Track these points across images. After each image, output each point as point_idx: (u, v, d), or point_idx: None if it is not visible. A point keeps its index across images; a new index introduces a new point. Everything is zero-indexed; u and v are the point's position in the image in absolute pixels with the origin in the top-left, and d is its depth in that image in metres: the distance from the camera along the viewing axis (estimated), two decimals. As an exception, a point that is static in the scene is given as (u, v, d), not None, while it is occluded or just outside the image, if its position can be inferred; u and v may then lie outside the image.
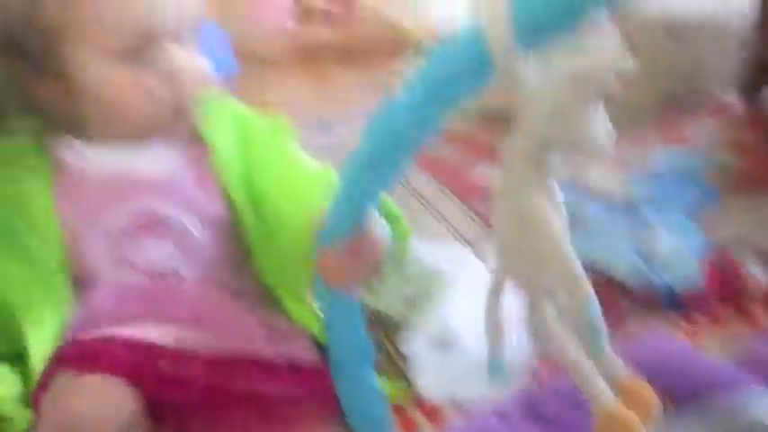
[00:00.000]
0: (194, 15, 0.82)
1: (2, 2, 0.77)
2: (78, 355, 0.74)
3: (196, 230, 0.84)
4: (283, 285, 0.87)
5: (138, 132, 0.82)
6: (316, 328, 0.86)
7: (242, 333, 0.83)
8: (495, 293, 0.63)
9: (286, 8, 3.52)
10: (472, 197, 1.59)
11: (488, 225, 1.45)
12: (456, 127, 2.01)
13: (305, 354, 0.86)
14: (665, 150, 1.70)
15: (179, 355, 0.78)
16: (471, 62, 0.52)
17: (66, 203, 0.81)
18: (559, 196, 0.58)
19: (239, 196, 0.85)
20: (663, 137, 1.81)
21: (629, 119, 1.84)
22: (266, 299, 0.88)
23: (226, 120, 0.89)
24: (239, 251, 0.87)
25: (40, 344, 0.76)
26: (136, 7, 0.77)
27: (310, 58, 3.23)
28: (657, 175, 1.51)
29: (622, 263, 1.23)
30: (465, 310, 1.07)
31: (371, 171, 0.60)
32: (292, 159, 0.88)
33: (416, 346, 1.04)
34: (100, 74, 0.78)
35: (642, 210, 1.38)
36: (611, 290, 1.21)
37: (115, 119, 0.80)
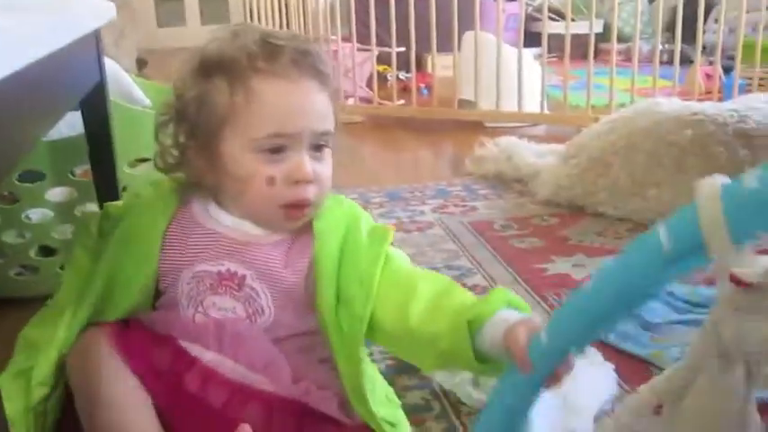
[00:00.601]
0: (328, 132, 0.98)
1: (186, 81, 0.98)
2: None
3: (267, 302, 0.99)
4: (348, 380, 0.99)
5: (256, 216, 1.00)
6: (369, 421, 0.99)
7: (287, 381, 0.97)
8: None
9: (363, 78, 3.67)
10: (544, 288, 1.66)
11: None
12: (533, 220, 2.04)
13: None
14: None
15: (209, 372, 0.94)
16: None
17: (176, 241, 1.01)
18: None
19: (327, 291, 0.98)
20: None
21: None
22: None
23: (340, 220, 1.03)
24: (318, 339, 1.01)
25: None
26: (281, 115, 0.94)
27: (381, 125, 3.32)
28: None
29: None
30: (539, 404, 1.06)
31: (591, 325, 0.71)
32: (387, 266, 1.00)
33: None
34: (240, 157, 0.96)
35: None
36: None
37: (240, 196, 0.98)
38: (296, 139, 0.95)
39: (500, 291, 0.92)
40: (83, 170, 1.63)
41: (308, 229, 1.02)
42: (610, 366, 1.28)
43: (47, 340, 0.96)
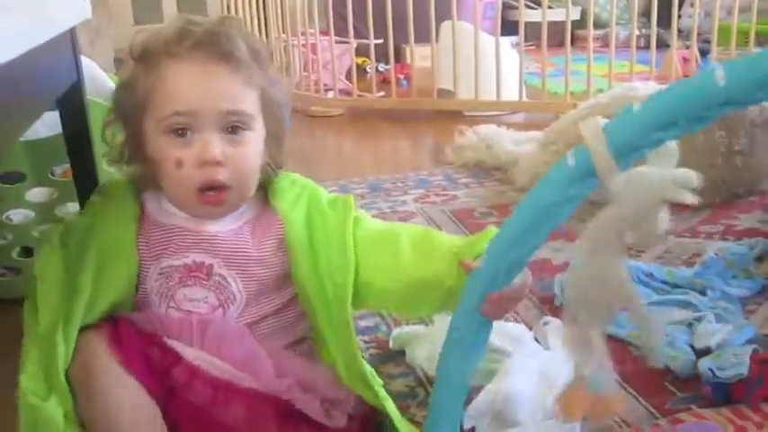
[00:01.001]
0: (238, 113, 0.98)
1: (121, 74, 1.04)
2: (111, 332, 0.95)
3: (237, 287, 1.00)
4: (338, 352, 1.02)
5: (178, 203, 1.01)
6: (365, 393, 1.01)
7: (269, 377, 0.98)
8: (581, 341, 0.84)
9: (342, 70, 3.67)
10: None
11: (545, 309, 1.51)
12: (513, 207, 2.05)
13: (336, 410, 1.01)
14: (717, 241, 1.79)
15: (194, 369, 0.94)
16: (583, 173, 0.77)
17: (143, 241, 1.01)
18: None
19: (304, 267, 1.01)
20: (716, 228, 1.91)
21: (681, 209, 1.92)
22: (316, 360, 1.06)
23: (301, 198, 1.06)
24: (294, 322, 1.05)
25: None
26: (181, 94, 0.96)
27: (362, 117, 3.33)
28: (710, 264, 1.53)
29: (673, 350, 1.24)
30: (522, 388, 1.12)
31: (529, 233, 0.81)
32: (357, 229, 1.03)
33: (479, 422, 1.11)
34: (153, 140, 0.99)
35: (693, 298, 1.41)
36: (660, 376, 1.26)
37: (161, 183, 1.00)
38: (199, 119, 0.96)
39: (492, 229, 0.96)
40: (63, 170, 1.63)
41: (266, 209, 1.05)
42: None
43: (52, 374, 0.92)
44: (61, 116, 1.41)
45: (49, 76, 1.17)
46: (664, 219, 0.77)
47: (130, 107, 1.00)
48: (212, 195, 0.98)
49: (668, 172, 0.76)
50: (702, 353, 1.28)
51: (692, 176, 0.75)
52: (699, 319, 1.38)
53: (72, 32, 1.32)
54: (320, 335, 1.05)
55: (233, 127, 0.98)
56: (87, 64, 1.63)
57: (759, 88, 0.68)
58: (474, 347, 0.90)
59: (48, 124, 1.55)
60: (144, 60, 1.00)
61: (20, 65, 0.87)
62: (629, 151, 0.74)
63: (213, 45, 0.97)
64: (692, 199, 0.74)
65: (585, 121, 0.77)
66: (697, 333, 1.33)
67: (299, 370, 1.01)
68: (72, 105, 1.39)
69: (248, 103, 0.99)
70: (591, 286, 0.80)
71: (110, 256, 1.00)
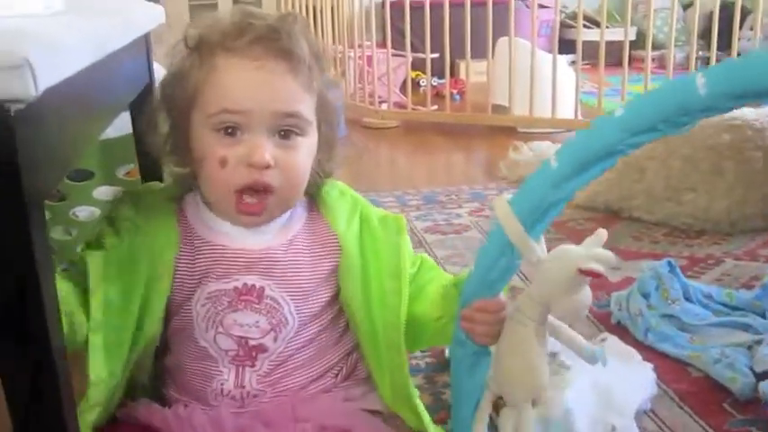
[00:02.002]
0: (293, 115, 0.91)
1: (173, 63, 0.96)
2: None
3: (290, 309, 0.96)
4: (384, 373, 0.99)
5: (216, 205, 0.95)
6: (408, 417, 0.99)
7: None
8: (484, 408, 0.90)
9: (397, 83, 3.72)
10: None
11: (601, 326, 1.51)
12: (569, 224, 2.09)
13: None
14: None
15: None
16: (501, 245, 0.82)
17: (185, 264, 0.95)
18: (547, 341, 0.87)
19: (356, 295, 0.98)
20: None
21: (741, 232, 1.91)
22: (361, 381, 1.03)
23: (354, 216, 1.01)
24: (340, 337, 1.02)
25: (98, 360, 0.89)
26: (234, 91, 0.89)
27: (415, 130, 3.36)
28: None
29: (733, 372, 1.24)
30: (581, 403, 1.13)
31: (500, 257, 0.83)
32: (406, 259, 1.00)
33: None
34: (200, 136, 0.92)
35: (753, 320, 1.40)
36: (719, 397, 1.26)
37: (201, 182, 0.94)
38: (251, 119, 0.89)
39: None
40: (126, 170, 1.67)
41: (317, 221, 1.00)
42: (649, 366, 1.29)
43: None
44: (132, 117, 1.44)
45: (128, 79, 1.21)
46: (586, 295, 0.82)
47: (179, 99, 0.93)
48: (251, 204, 0.91)
49: (589, 249, 0.81)
50: (763, 376, 1.27)
51: (610, 256, 0.80)
52: (759, 342, 1.36)
53: (147, 36, 1.36)
54: (365, 353, 1.02)
55: (286, 131, 0.91)
56: (157, 68, 1.68)
57: (739, 98, 0.69)
58: (476, 360, 0.90)
59: (115, 125, 1.58)
60: (198, 50, 0.93)
61: (104, 67, 0.90)
62: (538, 212, 0.79)
63: (273, 41, 0.90)
64: (599, 268, 0.79)
65: (494, 202, 0.83)
66: (757, 356, 1.32)
67: (324, 413, 0.96)
68: (144, 108, 1.42)
69: (305, 106, 0.92)
70: (511, 369, 0.86)
71: (152, 282, 0.94)
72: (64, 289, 0.87)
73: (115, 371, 0.91)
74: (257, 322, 0.95)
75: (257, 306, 0.95)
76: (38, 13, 0.81)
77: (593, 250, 0.81)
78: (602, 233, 0.83)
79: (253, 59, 0.89)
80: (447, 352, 1.39)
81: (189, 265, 0.95)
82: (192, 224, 0.97)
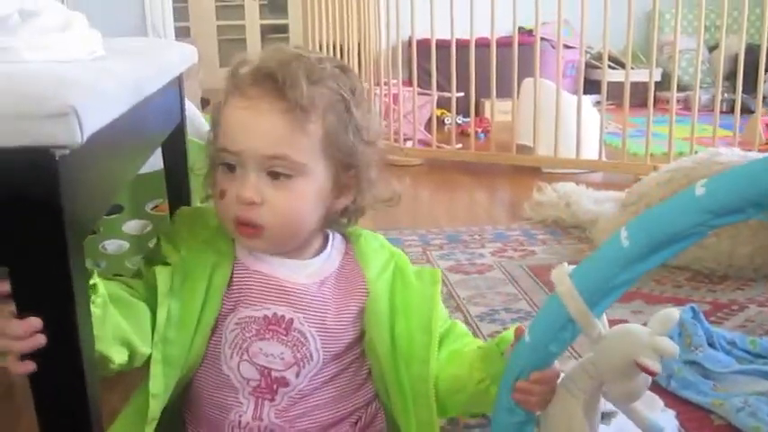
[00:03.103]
0: (279, 157, 0.92)
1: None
2: None
3: (316, 346, 0.97)
4: (411, 423, 1.00)
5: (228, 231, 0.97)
6: None
7: None
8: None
9: (422, 121, 3.75)
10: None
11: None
12: None
13: None
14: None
15: None
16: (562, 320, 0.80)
17: (234, 288, 0.97)
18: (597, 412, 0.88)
19: (384, 341, 1.00)
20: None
21: (764, 278, 1.90)
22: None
23: (389, 266, 1.04)
24: (361, 385, 1.03)
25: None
26: (230, 131, 0.94)
27: (439, 168, 3.39)
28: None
29: (756, 421, 1.24)
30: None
31: (561, 331, 0.81)
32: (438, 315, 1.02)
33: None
34: (214, 171, 0.98)
35: None
36: None
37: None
38: (242, 158, 0.92)
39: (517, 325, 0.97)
40: (154, 204, 1.70)
41: (351, 264, 1.03)
42: (671, 413, 1.29)
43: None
44: (164, 154, 1.47)
45: (163, 118, 1.24)
46: (643, 382, 0.80)
47: (209, 142, 1.00)
48: (245, 229, 0.94)
49: (653, 336, 0.78)
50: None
51: (673, 349, 0.77)
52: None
53: (180, 76, 1.39)
54: (390, 402, 1.02)
55: (274, 172, 0.93)
56: (187, 105, 1.71)
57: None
58: (521, 428, 0.89)
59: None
60: (225, 93, 0.97)
61: (142, 109, 0.93)
62: (603, 291, 0.76)
63: (270, 82, 0.92)
64: (657, 369, 0.77)
65: (554, 271, 0.81)
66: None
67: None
68: (175, 144, 1.46)
69: (296, 148, 0.92)
70: (551, 427, 0.86)
71: (206, 300, 0.96)
72: (114, 315, 0.86)
73: (169, 387, 0.94)
74: (282, 354, 0.96)
75: (284, 338, 0.96)
76: (82, 59, 0.84)
77: (656, 340, 0.77)
78: (673, 315, 0.79)
79: (248, 98, 0.92)
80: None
81: (228, 288, 0.97)
82: (239, 251, 1.00)
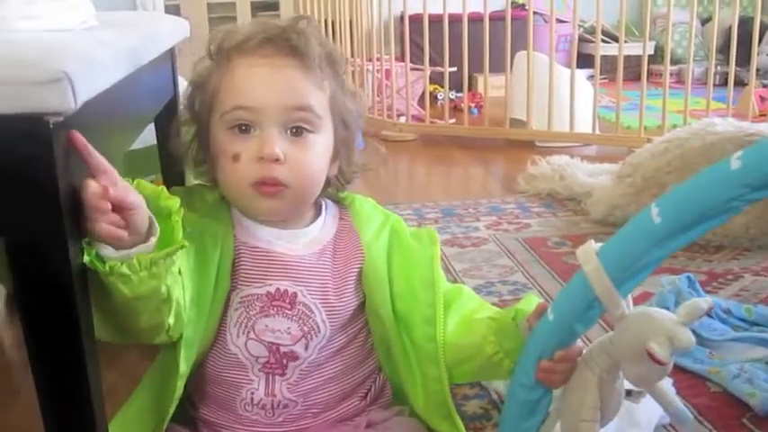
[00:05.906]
0: (304, 108, 0.93)
1: (195, 73, 0.98)
2: None
3: (321, 317, 0.97)
4: (417, 384, 1.01)
5: (234, 202, 0.97)
6: (442, 427, 1.00)
7: None
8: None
9: (414, 97, 3.74)
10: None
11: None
12: (588, 238, 2.05)
13: None
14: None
15: None
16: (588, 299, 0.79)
17: (237, 266, 0.96)
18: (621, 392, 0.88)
19: (385, 303, 1.00)
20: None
21: (759, 248, 1.90)
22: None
23: (384, 229, 1.04)
24: (367, 355, 1.04)
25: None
26: (246, 87, 0.92)
27: (433, 143, 3.38)
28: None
29: (752, 388, 1.24)
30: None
31: (588, 310, 0.80)
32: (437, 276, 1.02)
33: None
34: (217, 136, 0.95)
35: None
36: (738, 412, 1.25)
37: (221, 181, 0.95)
38: (262, 115, 0.91)
39: (531, 297, 0.99)
40: (149, 180, 1.69)
41: (346, 231, 1.03)
42: (668, 381, 1.29)
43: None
44: (156, 129, 1.46)
45: (155, 91, 1.23)
46: (659, 369, 0.79)
47: (200, 105, 0.98)
48: (268, 188, 0.93)
49: (672, 325, 0.77)
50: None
51: (689, 341, 0.76)
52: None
53: (172, 50, 1.38)
54: (395, 366, 1.03)
55: (297, 128, 0.93)
56: (180, 81, 1.70)
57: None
58: (539, 401, 0.89)
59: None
60: (217, 57, 0.97)
61: (134, 80, 0.92)
62: (632, 269, 0.75)
63: (283, 40, 0.93)
64: (664, 358, 0.76)
65: (580, 249, 0.79)
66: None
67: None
68: (168, 120, 1.45)
69: (316, 102, 0.94)
70: (569, 405, 0.86)
71: (218, 279, 0.95)
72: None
73: (189, 367, 0.93)
74: (288, 328, 0.96)
75: (289, 312, 0.96)
76: (73, 29, 0.83)
77: (675, 329, 0.76)
78: (701, 306, 0.77)
79: (262, 57, 0.93)
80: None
81: (236, 268, 0.96)
82: (237, 228, 0.99)
